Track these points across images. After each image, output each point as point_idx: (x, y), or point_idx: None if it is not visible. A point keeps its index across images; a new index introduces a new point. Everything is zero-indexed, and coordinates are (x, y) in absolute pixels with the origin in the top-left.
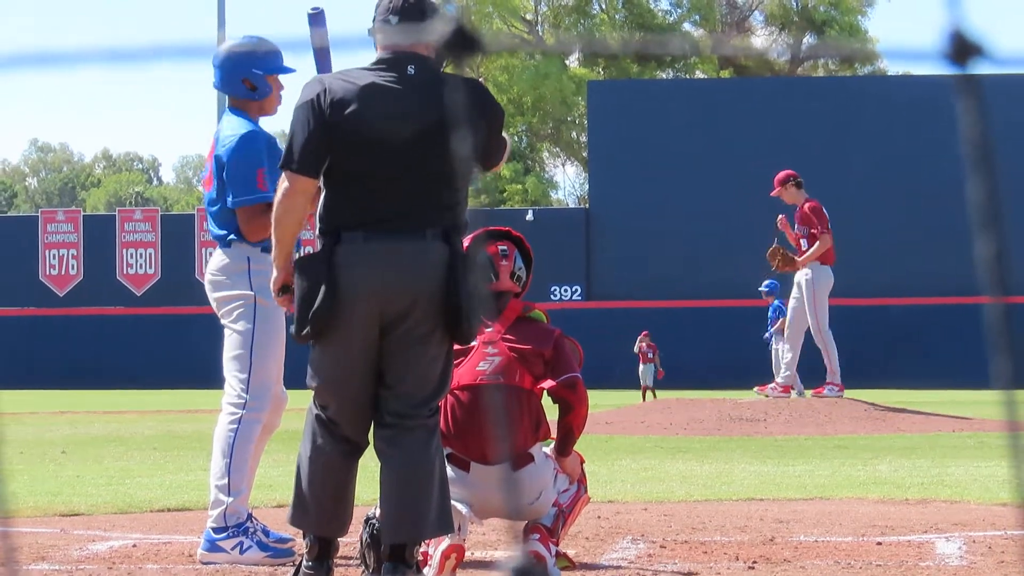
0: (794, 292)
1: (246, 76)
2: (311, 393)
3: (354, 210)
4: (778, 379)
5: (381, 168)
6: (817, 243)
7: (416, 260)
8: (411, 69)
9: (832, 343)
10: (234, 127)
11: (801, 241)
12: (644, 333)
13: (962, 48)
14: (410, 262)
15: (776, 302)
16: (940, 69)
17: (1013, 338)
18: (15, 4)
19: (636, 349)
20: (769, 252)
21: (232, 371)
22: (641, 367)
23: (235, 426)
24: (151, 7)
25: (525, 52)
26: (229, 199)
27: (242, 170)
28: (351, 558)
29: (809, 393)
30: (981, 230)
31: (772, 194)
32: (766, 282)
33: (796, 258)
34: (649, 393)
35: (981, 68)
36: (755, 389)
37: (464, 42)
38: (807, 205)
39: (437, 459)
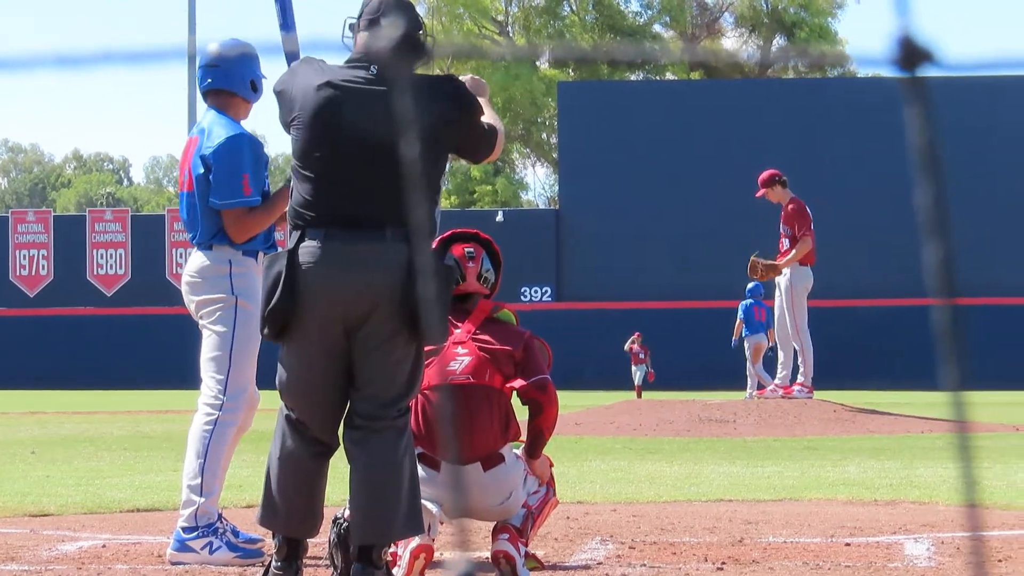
0: (776, 294)
1: (253, 77)
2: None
3: (318, 207)
4: (776, 380)
5: (341, 165)
6: (799, 245)
7: (375, 261)
8: (374, 69)
9: (809, 344)
10: (224, 128)
11: (784, 241)
12: (636, 335)
13: (911, 54)
14: (368, 263)
15: (746, 302)
16: (895, 73)
17: (962, 342)
18: None
19: (627, 348)
20: (749, 267)
21: (210, 372)
22: (633, 367)
23: (210, 427)
24: (115, 9)
25: (480, 57)
26: (215, 200)
27: (229, 173)
28: (320, 558)
29: (745, 394)
30: (928, 236)
31: (757, 195)
32: (750, 285)
33: (776, 262)
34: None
35: (930, 73)
36: (755, 395)
37: (411, 49)
38: (791, 205)
39: (407, 460)
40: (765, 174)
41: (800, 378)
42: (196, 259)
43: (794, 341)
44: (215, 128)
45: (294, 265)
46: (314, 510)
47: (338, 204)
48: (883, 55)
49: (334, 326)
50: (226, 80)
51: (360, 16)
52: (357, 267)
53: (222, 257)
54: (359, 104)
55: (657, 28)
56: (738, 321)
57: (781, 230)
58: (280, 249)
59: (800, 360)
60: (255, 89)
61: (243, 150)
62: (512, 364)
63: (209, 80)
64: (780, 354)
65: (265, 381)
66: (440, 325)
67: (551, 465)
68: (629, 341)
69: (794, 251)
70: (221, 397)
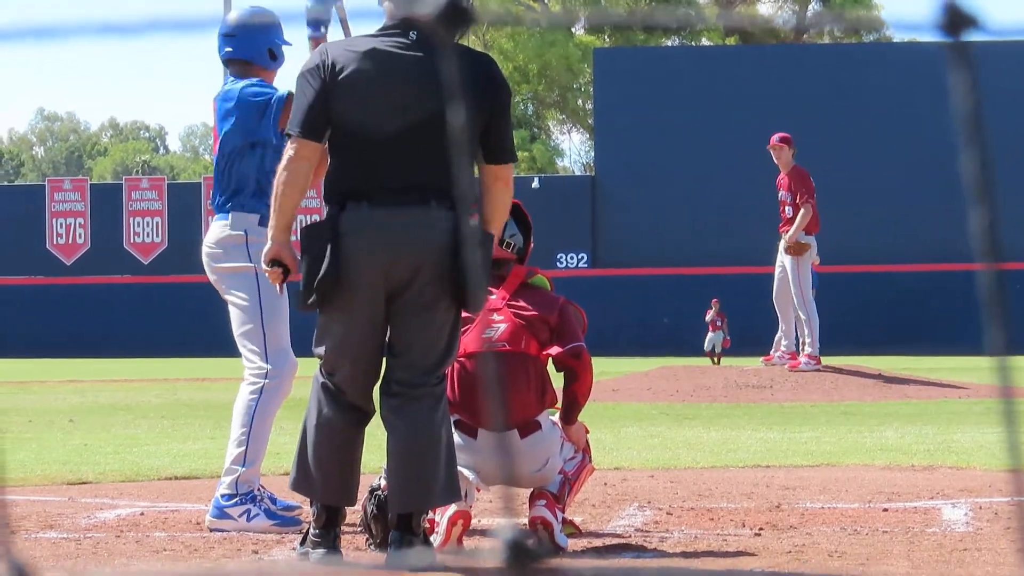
0: (777, 261)
1: (271, 45)
2: (317, 362)
3: (358, 179)
4: (782, 348)
5: (383, 135)
6: (801, 213)
7: (420, 227)
8: (413, 35)
9: (815, 314)
10: (244, 82)
11: (786, 209)
12: (714, 301)
13: (956, 19)
14: (414, 229)
15: None
16: (940, 38)
17: (1007, 307)
18: None
19: (708, 318)
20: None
21: (247, 345)
22: (710, 334)
23: (256, 396)
24: None
25: (515, 24)
26: (262, 125)
27: (258, 100)
28: (355, 525)
29: (759, 360)
30: (975, 202)
31: (769, 147)
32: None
33: (791, 237)
34: (715, 359)
35: (975, 38)
36: (761, 360)
37: (456, 14)
38: (793, 172)
39: (444, 427)
40: (782, 134)
41: (808, 349)
42: (214, 229)
43: (800, 311)
44: (236, 86)
45: (338, 233)
46: (352, 478)
47: (381, 174)
48: (927, 20)
49: (377, 292)
50: (243, 49)
51: None
52: (401, 233)
53: (238, 225)
54: (402, 72)
55: None
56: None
57: (781, 197)
58: (313, 218)
59: (807, 331)
60: (274, 58)
61: (264, 87)
62: (547, 330)
63: (228, 49)
64: (781, 323)
65: (299, 348)
66: (482, 294)
67: (587, 432)
68: (709, 310)
69: (798, 220)
70: (265, 365)
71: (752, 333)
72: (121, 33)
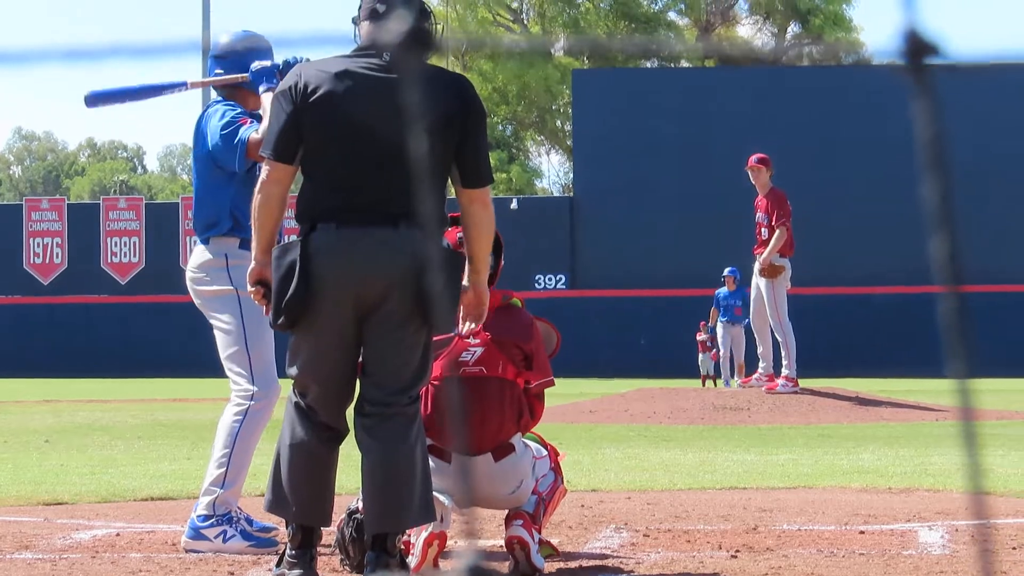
0: (753, 282)
1: (279, 69)
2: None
3: (328, 199)
4: (759, 370)
5: (354, 156)
6: (775, 235)
7: (389, 248)
8: (387, 56)
9: (792, 337)
10: (228, 114)
11: (762, 231)
12: (703, 324)
13: (917, 47)
14: (383, 250)
15: (723, 289)
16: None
17: (968, 335)
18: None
19: (699, 339)
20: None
21: (232, 368)
22: (700, 356)
23: (240, 418)
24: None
25: (494, 48)
26: (222, 152)
27: (225, 124)
28: (333, 546)
29: (736, 383)
30: (935, 229)
31: (747, 167)
32: (728, 269)
33: (765, 260)
34: (709, 381)
35: (936, 67)
36: (738, 382)
37: (418, 42)
38: (770, 194)
39: (419, 447)
40: (761, 155)
41: (784, 371)
42: (196, 254)
43: (777, 334)
44: (216, 112)
45: (307, 254)
46: (324, 498)
47: (351, 194)
48: (889, 48)
49: (347, 312)
50: (233, 72)
51: (360, 7)
52: (371, 253)
53: (218, 250)
54: (374, 92)
55: (672, 15)
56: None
57: (758, 219)
58: (289, 238)
59: (782, 353)
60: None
61: (229, 107)
62: (522, 355)
63: (218, 71)
64: (759, 344)
65: (283, 369)
66: (449, 315)
67: (558, 454)
68: (700, 333)
69: (772, 242)
70: (251, 387)
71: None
72: (87, 58)
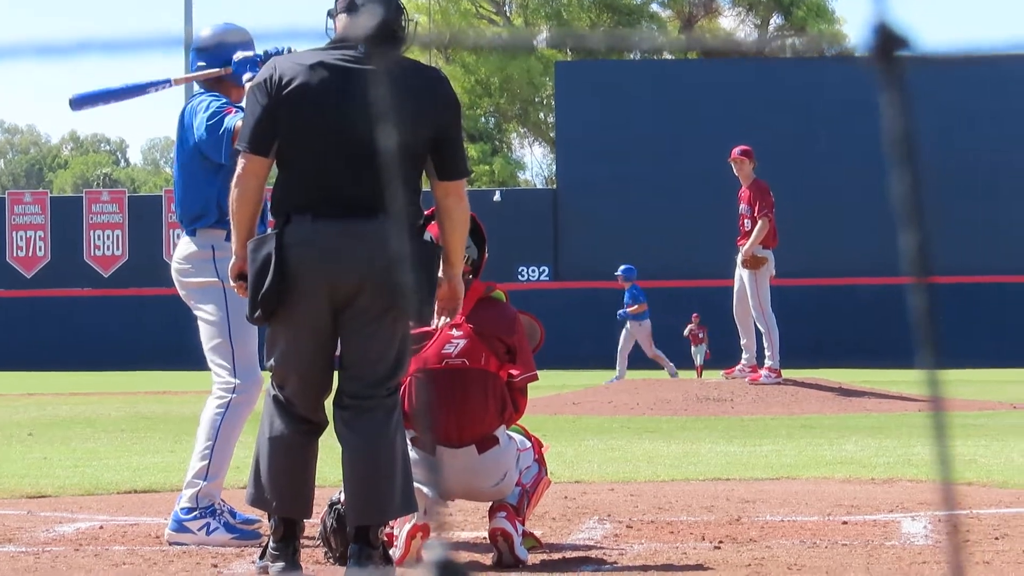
0: (736, 275)
1: (261, 59)
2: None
3: (303, 192)
4: (742, 361)
5: (329, 148)
6: (757, 227)
7: (365, 241)
8: (361, 48)
9: (775, 327)
10: (213, 104)
11: (745, 222)
12: (695, 316)
13: (887, 41)
14: (358, 243)
15: (632, 287)
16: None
17: (938, 325)
18: None
19: (687, 333)
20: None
21: (215, 360)
22: (693, 348)
23: (223, 410)
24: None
25: (475, 44)
26: (208, 143)
27: (210, 115)
28: (316, 538)
29: (720, 374)
30: (904, 224)
31: (730, 159)
32: (622, 267)
33: (747, 251)
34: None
35: (906, 61)
36: (722, 374)
37: (389, 37)
38: (753, 186)
39: (398, 438)
40: (744, 147)
41: (767, 362)
42: (182, 245)
43: (759, 325)
44: (200, 104)
45: (282, 246)
46: (304, 490)
47: (326, 187)
48: (860, 42)
49: (323, 305)
50: (215, 65)
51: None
52: (346, 245)
53: (205, 242)
54: (348, 85)
55: (655, 7)
56: (634, 305)
57: (741, 210)
58: (267, 231)
59: (765, 343)
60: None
61: (214, 97)
62: (505, 348)
63: (200, 64)
64: (741, 336)
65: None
66: (425, 307)
67: (542, 446)
68: (688, 326)
69: (754, 234)
70: (233, 380)
71: (717, 346)
72: (58, 54)
